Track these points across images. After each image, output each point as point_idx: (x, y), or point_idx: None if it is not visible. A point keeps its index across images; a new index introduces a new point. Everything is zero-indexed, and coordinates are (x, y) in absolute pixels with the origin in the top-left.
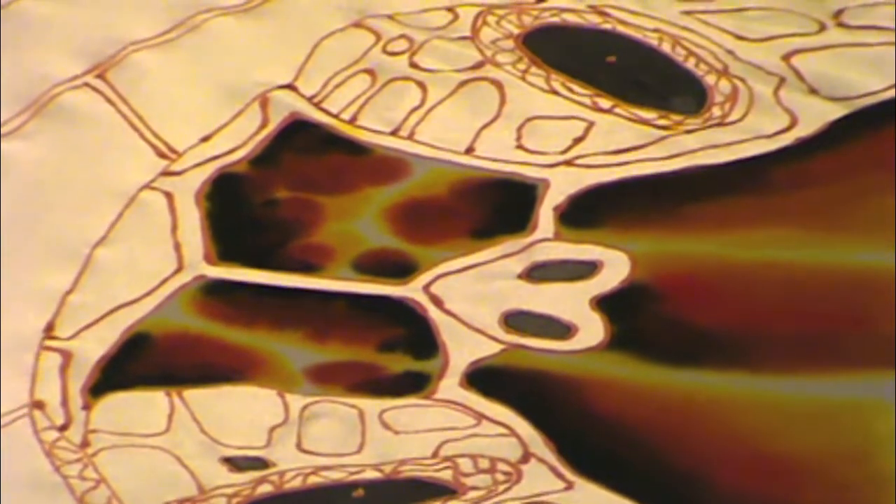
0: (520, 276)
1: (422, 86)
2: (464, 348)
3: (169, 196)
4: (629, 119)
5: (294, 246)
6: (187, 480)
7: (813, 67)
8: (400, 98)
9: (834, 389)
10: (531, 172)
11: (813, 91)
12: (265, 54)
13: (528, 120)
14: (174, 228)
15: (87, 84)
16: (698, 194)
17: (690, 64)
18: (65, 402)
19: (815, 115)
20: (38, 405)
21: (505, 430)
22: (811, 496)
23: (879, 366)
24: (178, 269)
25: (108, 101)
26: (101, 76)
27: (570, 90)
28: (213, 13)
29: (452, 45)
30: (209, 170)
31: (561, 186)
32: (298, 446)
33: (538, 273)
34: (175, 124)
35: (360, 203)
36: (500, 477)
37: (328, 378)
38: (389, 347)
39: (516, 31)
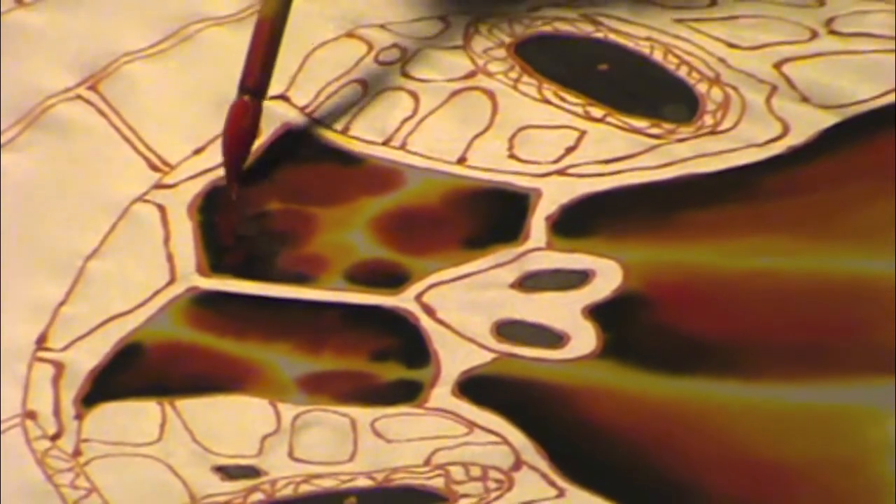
0: (512, 286)
1: (414, 95)
2: (456, 357)
3: (162, 209)
4: (621, 128)
5: (287, 257)
6: (179, 489)
7: (805, 75)
8: (392, 108)
9: (827, 397)
10: (523, 182)
11: (805, 99)
12: None
13: (520, 129)
14: (167, 240)
15: (79, 96)
16: (690, 203)
17: (682, 72)
18: (57, 412)
19: (807, 124)
20: (31, 415)
21: (497, 438)
22: None
23: (873, 373)
24: (171, 281)
25: (101, 113)
26: (93, 88)
27: (562, 99)
28: (206, 24)
29: (444, 55)
30: (202, 182)
31: (553, 196)
32: (290, 455)
33: (530, 282)
34: (168, 136)
35: (353, 213)
36: (492, 485)
37: (321, 387)
38: (382, 357)
39: (508, 39)
